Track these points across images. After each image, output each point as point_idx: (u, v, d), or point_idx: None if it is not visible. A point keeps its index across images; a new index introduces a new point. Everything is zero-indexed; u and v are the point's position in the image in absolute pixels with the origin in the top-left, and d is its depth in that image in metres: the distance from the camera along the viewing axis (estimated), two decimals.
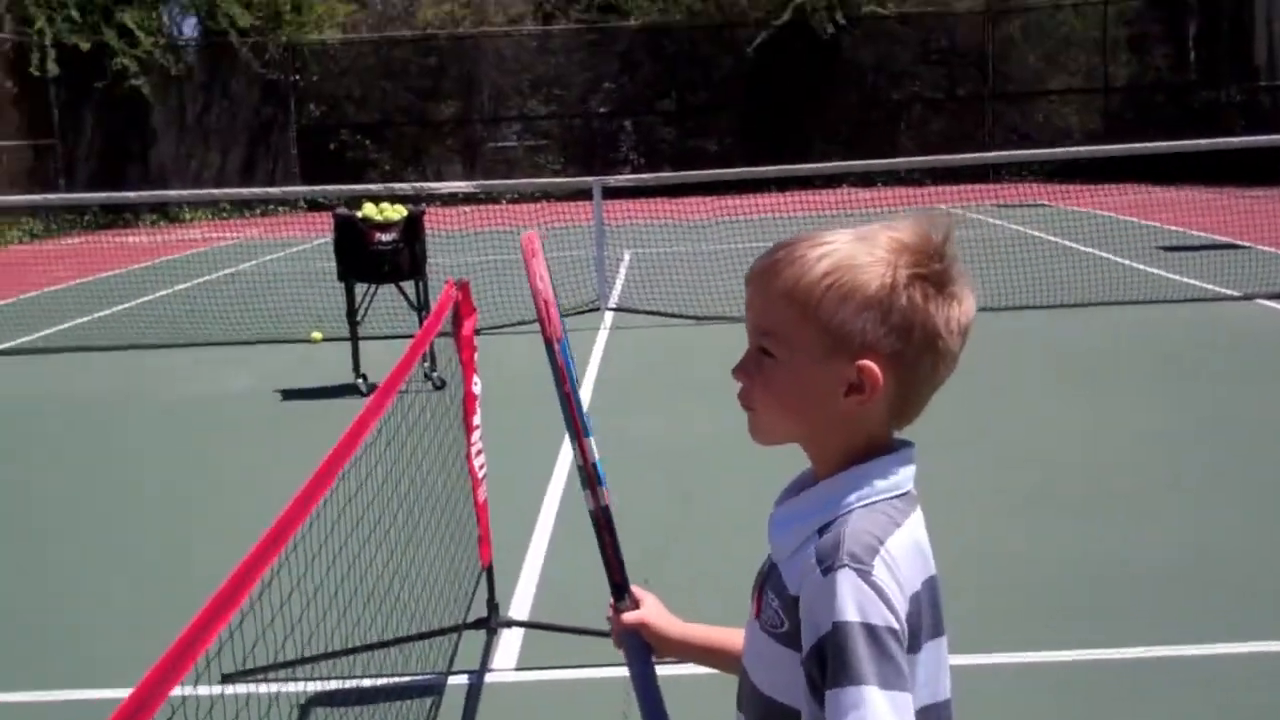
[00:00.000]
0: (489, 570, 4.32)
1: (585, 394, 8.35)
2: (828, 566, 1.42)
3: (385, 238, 9.05)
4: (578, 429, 1.76)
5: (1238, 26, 27.20)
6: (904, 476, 1.50)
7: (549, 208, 22.95)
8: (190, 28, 29.96)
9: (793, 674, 1.45)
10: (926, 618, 1.46)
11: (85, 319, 13.22)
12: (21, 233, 24.01)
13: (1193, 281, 12.64)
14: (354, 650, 3.83)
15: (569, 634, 4.26)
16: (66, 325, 12.78)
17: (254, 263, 18.06)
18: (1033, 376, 8.99)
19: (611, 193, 14.81)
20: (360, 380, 9.06)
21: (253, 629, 2.47)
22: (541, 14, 32.89)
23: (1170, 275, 13.13)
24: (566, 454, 6.97)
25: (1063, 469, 6.49)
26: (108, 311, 13.70)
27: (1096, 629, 4.36)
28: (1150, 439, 7.03)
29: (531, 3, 32.91)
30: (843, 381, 1.45)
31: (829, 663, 1.38)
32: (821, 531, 1.47)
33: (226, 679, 3.04)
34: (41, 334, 12.36)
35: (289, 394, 9.32)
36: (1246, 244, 15.16)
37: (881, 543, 1.43)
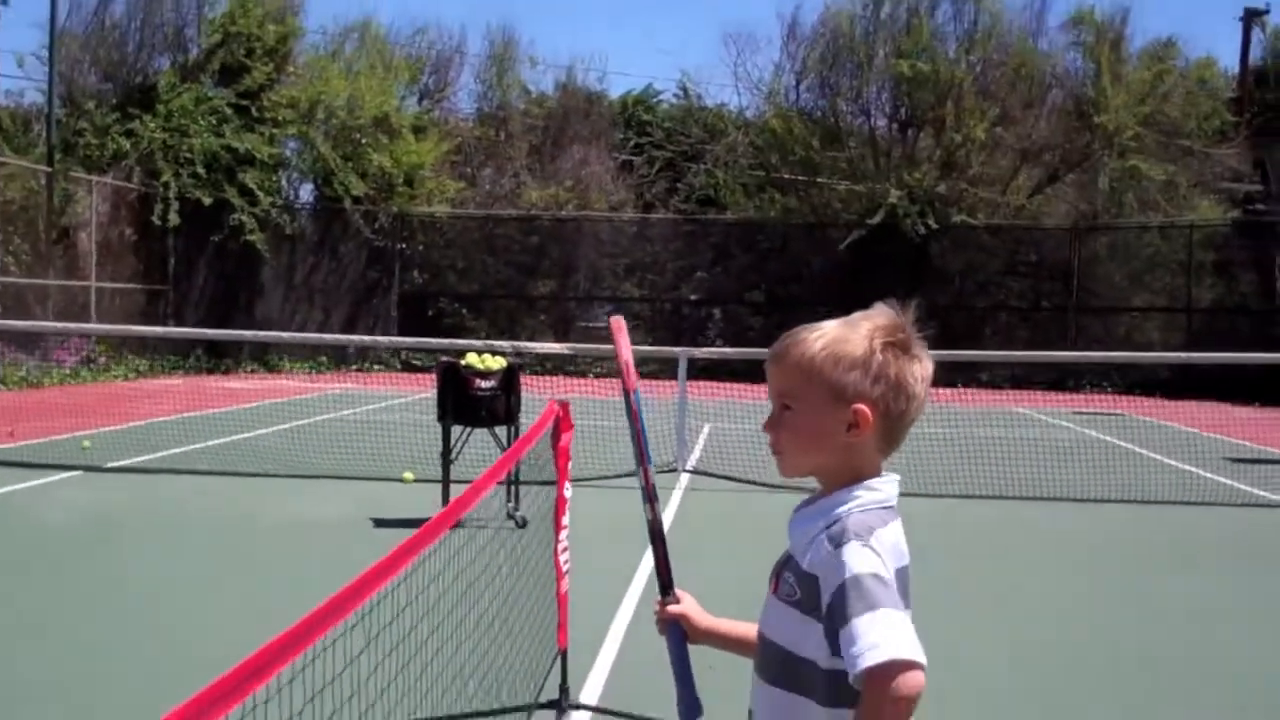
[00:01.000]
0: (564, 654, 4.80)
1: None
2: (838, 543, 2.02)
3: (485, 384, 9.71)
4: (642, 457, 2.38)
5: None
6: (887, 494, 2.15)
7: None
8: (307, 192, 31.52)
9: (802, 630, 2.06)
10: (900, 593, 2.03)
11: (190, 447, 13.97)
12: (127, 369, 25.12)
13: (1259, 491, 12.95)
14: None
15: None
16: (172, 451, 13.53)
17: (351, 411, 18.87)
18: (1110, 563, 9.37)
19: (695, 373, 15.47)
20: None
21: (331, 701, 2.82)
22: (642, 203, 34.23)
23: (1238, 484, 13.44)
24: (645, 567, 7.50)
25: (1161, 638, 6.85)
26: (211, 443, 14.44)
27: None
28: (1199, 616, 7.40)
29: (633, 191, 34.29)
30: (843, 422, 2.13)
31: (848, 604, 1.98)
32: (829, 528, 2.06)
33: None
34: (147, 457, 13.09)
35: (380, 522, 9.90)
36: None
37: (874, 530, 2.04)
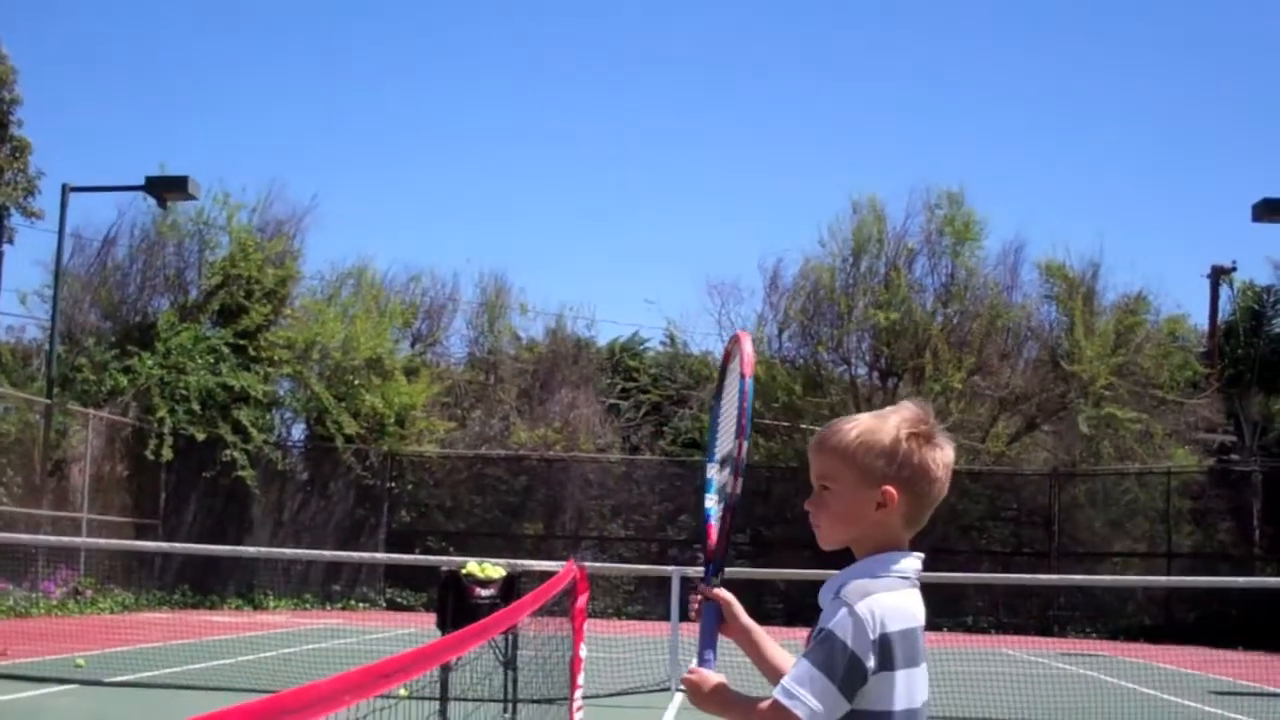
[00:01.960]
0: None
1: None
2: (837, 601, 2.43)
3: (485, 592, 9.94)
4: (742, 430, 2.79)
5: None
6: (904, 567, 2.54)
7: (624, 624, 23.71)
8: (299, 431, 31.91)
9: None
10: (899, 651, 2.40)
11: (184, 668, 14.00)
12: (113, 603, 25.02)
13: (1238, 716, 13.05)
14: None
15: None
16: (168, 670, 13.56)
17: (336, 642, 18.85)
18: None
19: (685, 614, 15.60)
20: None
21: None
22: (629, 445, 34.73)
23: (1222, 712, 13.54)
24: None
25: None
26: (198, 666, 14.46)
27: None
28: None
29: (620, 434, 34.83)
30: (873, 501, 2.52)
31: (812, 647, 2.36)
32: (841, 588, 2.46)
33: None
34: (144, 674, 13.13)
35: None
36: None
37: (871, 594, 2.40)
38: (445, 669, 9.93)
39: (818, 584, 2.71)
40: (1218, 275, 37.45)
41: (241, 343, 28.51)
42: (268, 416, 29.52)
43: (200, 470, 27.82)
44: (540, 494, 31.81)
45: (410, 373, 32.14)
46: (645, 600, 29.00)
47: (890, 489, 2.48)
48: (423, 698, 11.22)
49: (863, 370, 33.53)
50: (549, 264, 67.11)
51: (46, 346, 27.17)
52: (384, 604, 28.85)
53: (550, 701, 8.38)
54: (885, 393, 32.26)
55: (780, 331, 33.76)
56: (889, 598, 2.42)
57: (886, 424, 2.53)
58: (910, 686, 2.39)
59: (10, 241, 29.95)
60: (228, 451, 27.68)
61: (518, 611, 4.04)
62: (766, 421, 32.96)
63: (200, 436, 27.27)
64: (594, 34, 67.09)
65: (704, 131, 67.99)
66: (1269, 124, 58.02)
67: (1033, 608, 29.77)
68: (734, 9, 64.88)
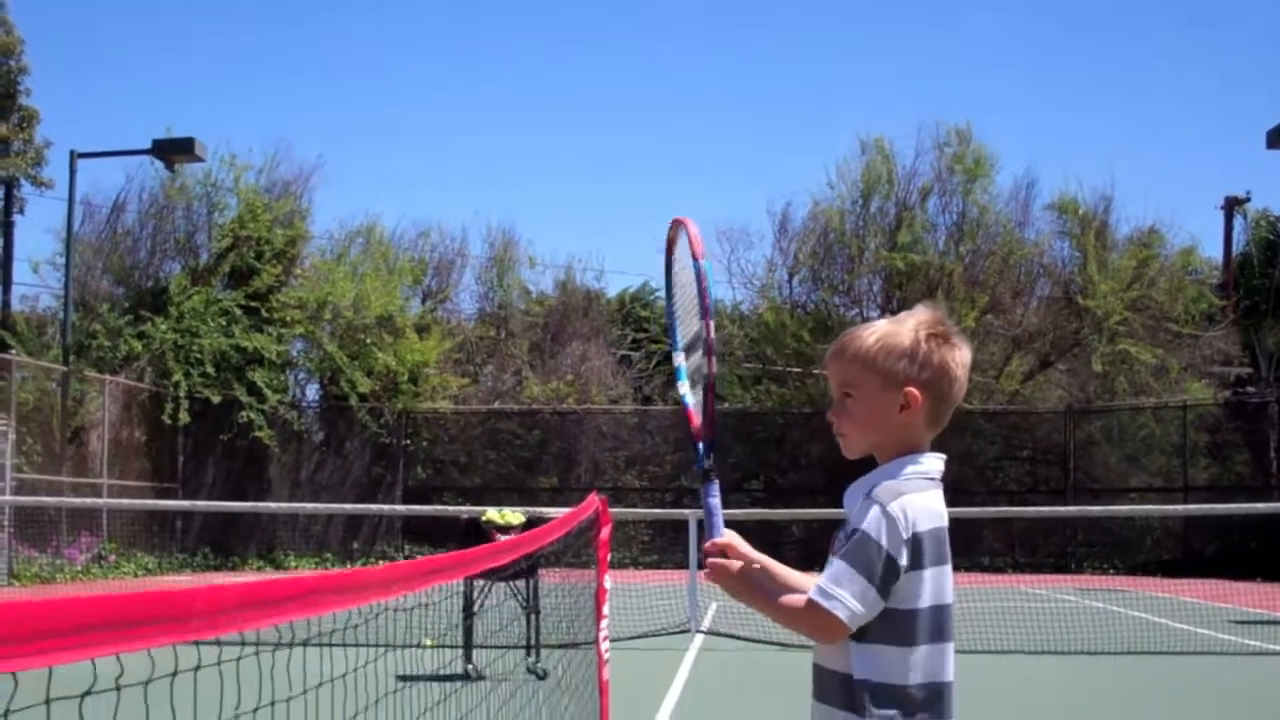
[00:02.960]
0: None
1: (670, 704, 8.98)
2: (868, 501, 2.43)
3: (505, 538, 9.98)
4: (706, 313, 2.75)
5: None
6: (929, 467, 2.55)
7: (641, 573, 23.83)
8: (313, 391, 32.01)
9: None
10: (929, 549, 2.43)
11: None
12: (136, 567, 25.21)
13: (1260, 643, 13.10)
14: None
15: None
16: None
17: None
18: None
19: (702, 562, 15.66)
20: (470, 668, 9.79)
21: None
22: (641, 396, 34.79)
23: (1242, 640, 13.60)
24: (686, 667, 7.63)
25: None
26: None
27: None
28: None
29: (632, 385, 34.87)
30: (896, 404, 2.52)
31: (847, 547, 2.36)
32: (872, 491, 2.46)
33: None
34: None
35: (404, 677, 10.03)
36: None
37: (902, 494, 2.42)
38: (468, 614, 10.01)
39: (833, 525, 2.72)
40: (1231, 206, 37.23)
41: (253, 304, 28.56)
42: (282, 377, 29.60)
43: (217, 433, 27.96)
44: (554, 447, 31.90)
45: (421, 330, 32.18)
46: (661, 549, 29.14)
47: (913, 390, 2.49)
48: (446, 646, 11.35)
49: (874, 313, 33.41)
50: (556, 216, 67.13)
51: (61, 314, 27.24)
52: (403, 559, 28.98)
53: (575, 646, 8.42)
54: None
55: (790, 276, 33.72)
56: (919, 498, 2.45)
57: (904, 327, 2.55)
58: (938, 584, 2.42)
59: (21, 211, 30.07)
60: (244, 413, 27.79)
61: (546, 535, 4.07)
62: (778, 368, 32.99)
63: (216, 399, 27.37)
64: None
65: (710, 77, 67.70)
66: None
67: (1049, 546, 29.89)
68: None
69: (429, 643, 12.05)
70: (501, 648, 10.47)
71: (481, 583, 10.13)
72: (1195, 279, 34.55)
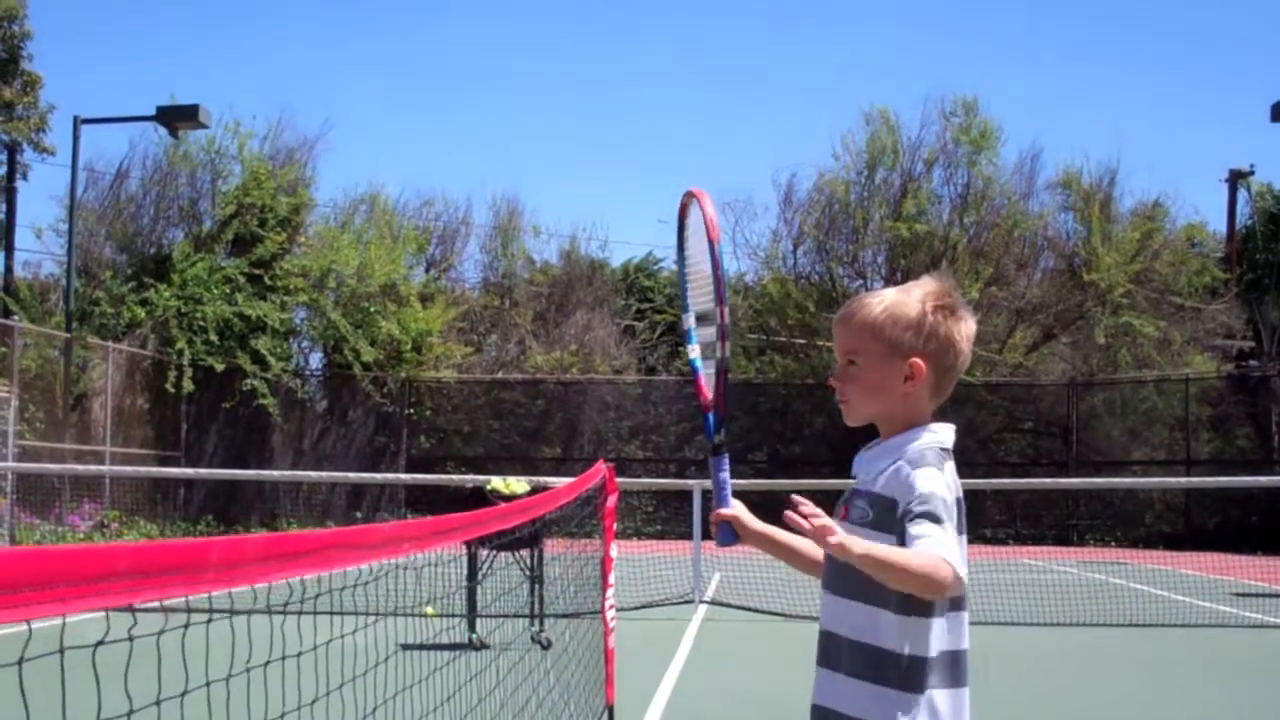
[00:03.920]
0: (611, 709, 5.03)
1: (675, 673, 8.99)
2: (916, 466, 2.40)
3: None
4: (720, 298, 2.72)
5: None
6: (943, 436, 2.52)
7: (645, 544, 23.88)
8: (316, 360, 32.00)
9: (874, 541, 2.36)
10: (961, 518, 2.41)
11: (203, 595, 14.10)
12: (139, 535, 25.26)
13: (1261, 616, 13.13)
14: None
15: None
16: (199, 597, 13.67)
17: (365, 565, 18.98)
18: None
19: (706, 533, 15.72)
20: (474, 636, 9.80)
21: None
22: (645, 367, 34.80)
23: (1243, 612, 13.63)
24: (690, 637, 7.65)
25: None
26: (228, 591, 14.56)
27: None
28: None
29: (636, 355, 34.88)
30: (900, 374, 2.52)
31: (921, 511, 2.33)
32: (906, 459, 2.44)
33: None
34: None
35: (407, 646, 10.05)
36: None
37: (944, 462, 2.42)
38: (473, 580, 10.02)
39: (836, 496, 2.70)
40: (1235, 179, 37.14)
41: (257, 272, 28.51)
42: (285, 345, 29.57)
43: (220, 401, 27.95)
44: (558, 417, 31.92)
45: (425, 299, 32.15)
46: (664, 520, 29.20)
47: (918, 361, 2.49)
48: (449, 615, 11.37)
49: (878, 284, 33.36)
50: (561, 186, 67.01)
51: (64, 281, 27.21)
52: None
53: (578, 615, 8.43)
54: None
55: (795, 247, 33.66)
56: (949, 468, 2.45)
57: (911, 297, 2.54)
58: (962, 553, 2.41)
59: (24, 177, 29.98)
60: (247, 381, 27.78)
61: (555, 499, 4.07)
62: (781, 339, 32.98)
63: (219, 367, 27.34)
64: None
65: (714, 46, 67.47)
66: None
67: (1051, 518, 29.92)
68: None
69: (431, 611, 12.09)
70: (505, 616, 10.50)
71: (485, 552, 10.13)
72: (1199, 252, 34.51)
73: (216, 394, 27.89)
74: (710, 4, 66.37)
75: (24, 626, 1.30)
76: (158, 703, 1.77)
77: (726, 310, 2.73)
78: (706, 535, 13.77)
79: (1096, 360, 31.74)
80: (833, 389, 2.62)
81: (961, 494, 2.46)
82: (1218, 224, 37.64)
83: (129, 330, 27.12)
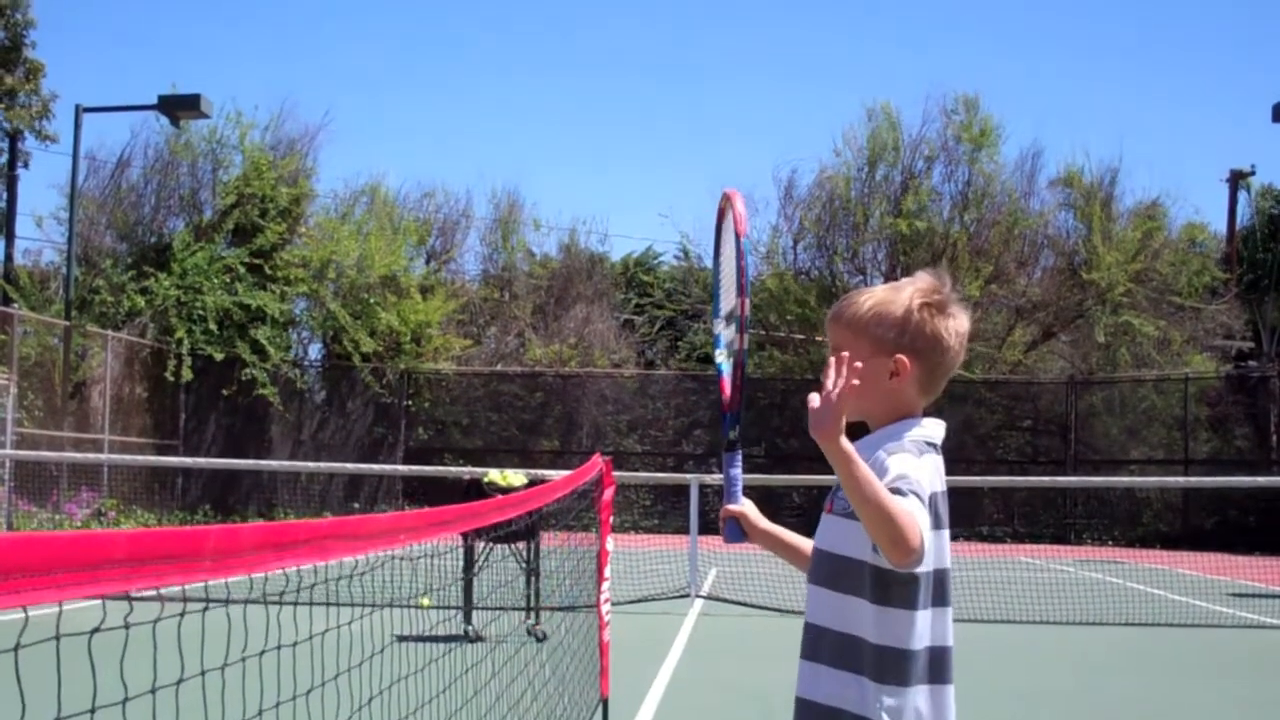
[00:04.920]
0: (605, 703, 5.03)
1: (670, 667, 9.01)
2: (892, 454, 2.40)
3: None
4: (743, 290, 2.74)
5: None
6: (930, 432, 2.53)
7: (642, 537, 23.88)
8: (315, 351, 32.01)
9: (855, 538, 2.38)
10: (940, 512, 2.41)
11: (198, 585, 14.10)
12: (136, 524, 25.27)
13: (1257, 617, 13.14)
14: None
15: None
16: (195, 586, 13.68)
17: (362, 556, 18.99)
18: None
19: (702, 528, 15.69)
20: (469, 629, 9.81)
21: None
22: (644, 361, 34.83)
23: (1239, 613, 13.64)
24: (685, 631, 7.66)
25: None
26: (224, 580, 14.57)
27: None
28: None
29: (635, 349, 34.90)
30: (886, 371, 2.53)
31: (893, 488, 2.29)
32: (885, 447, 2.44)
33: None
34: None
35: (403, 637, 10.06)
36: None
37: (923, 454, 2.44)
38: (469, 573, 10.03)
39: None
40: (1236, 179, 37.14)
41: (257, 262, 28.51)
42: (285, 335, 29.57)
43: (219, 390, 27.95)
44: (556, 410, 31.92)
45: (425, 290, 32.14)
46: (662, 514, 29.22)
47: (903, 358, 2.48)
48: (445, 607, 11.38)
49: (878, 280, 33.32)
50: (561, 179, 66.96)
51: (64, 269, 27.19)
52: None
53: (574, 608, 8.44)
54: None
55: (795, 243, 33.65)
56: (925, 461, 2.43)
57: (900, 295, 2.54)
58: (940, 548, 2.41)
59: (26, 165, 29.96)
60: (246, 371, 27.77)
61: (551, 492, 4.07)
62: (781, 334, 32.98)
63: (218, 356, 27.34)
64: None
65: (717, 41, 67.42)
66: None
67: (1049, 517, 29.93)
68: None
69: (426, 602, 12.09)
70: (501, 609, 10.51)
71: (482, 544, 10.14)
72: (1199, 252, 34.50)
73: (215, 383, 27.90)
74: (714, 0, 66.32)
75: (20, 613, 1.30)
76: (153, 691, 1.77)
77: (748, 303, 2.74)
78: (703, 530, 13.83)
79: (1096, 359, 31.75)
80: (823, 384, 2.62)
81: (943, 489, 2.45)
82: (1218, 224, 37.66)
83: (129, 319, 27.12)
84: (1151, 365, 31.17)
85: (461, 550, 10.07)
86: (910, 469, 2.33)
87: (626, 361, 33.98)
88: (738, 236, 2.79)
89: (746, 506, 2.75)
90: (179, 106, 25.55)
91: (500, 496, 9.96)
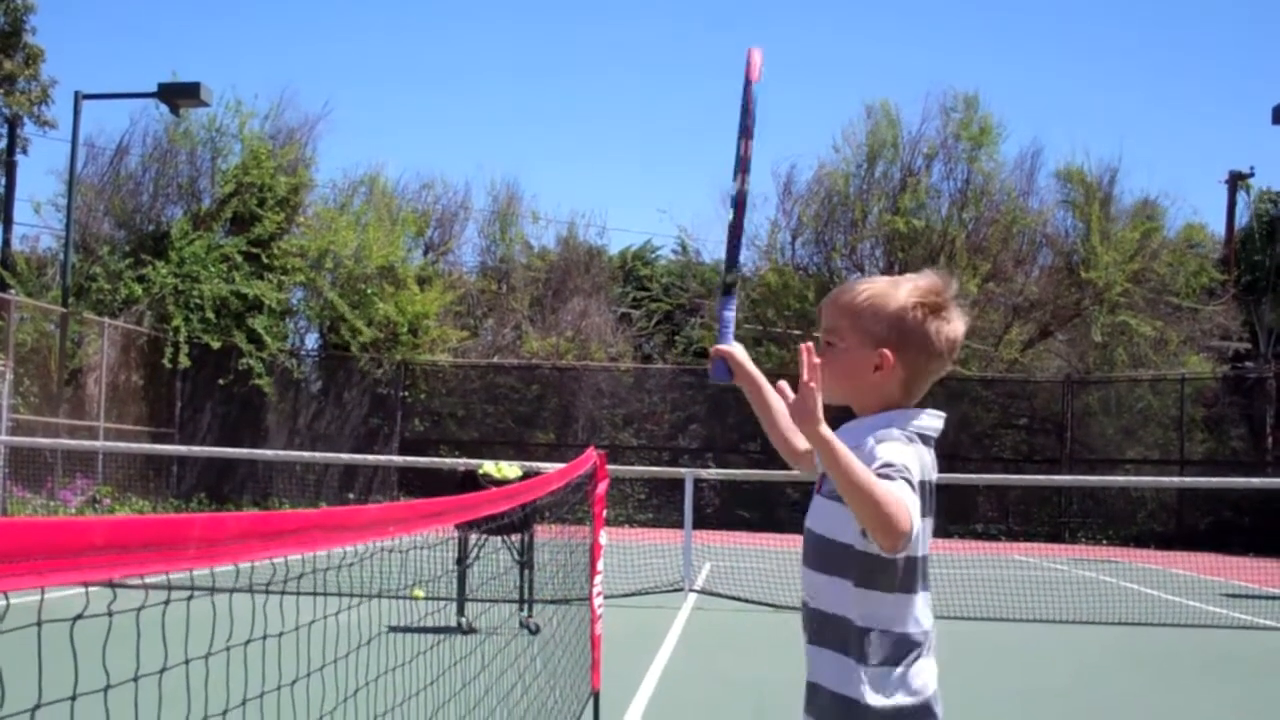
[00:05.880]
0: (597, 695, 5.03)
1: (662, 660, 9.00)
2: (881, 441, 2.40)
3: None
4: (748, 131, 2.77)
5: None
6: (925, 422, 2.51)
7: (636, 531, 23.88)
8: (312, 340, 31.99)
9: (843, 521, 2.39)
10: (928, 501, 2.41)
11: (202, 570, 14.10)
12: (131, 511, 25.26)
13: (1251, 617, 13.16)
14: None
15: None
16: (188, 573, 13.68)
17: (352, 547, 18.99)
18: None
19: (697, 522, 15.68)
20: (462, 620, 9.81)
21: None
22: (641, 354, 34.80)
23: (1232, 613, 13.65)
24: (679, 625, 7.66)
25: None
26: (219, 569, 14.56)
27: None
28: None
29: (632, 343, 34.87)
30: (870, 363, 2.53)
31: (883, 473, 2.28)
32: (876, 433, 2.44)
33: None
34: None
35: (395, 628, 10.06)
36: None
37: (913, 441, 2.44)
38: (462, 564, 10.03)
39: None
40: (1235, 181, 37.13)
41: (255, 251, 28.43)
42: (282, 325, 29.53)
43: (215, 379, 27.90)
44: (552, 403, 31.91)
45: (423, 281, 32.12)
46: (656, 508, 29.18)
47: (887, 353, 2.47)
48: (438, 598, 11.37)
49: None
50: (560, 172, 66.93)
51: (61, 256, 27.14)
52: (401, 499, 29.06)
53: (567, 601, 8.45)
54: None
55: (793, 238, 33.65)
56: (917, 449, 2.43)
57: (897, 290, 2.53)
58: (925, 535, 2.42)
59: (24, 151, 29.88)
60: (243, 360, 27.73)
61: (545, 485, 4.06)
62: (779, 329, 32.96)
63: (215, 345, 27.29)
64: None
65: (715, 36, 67.36)
66: None
67: (1044, 516, 29.93)
68: None
69: (419, 594, 12.08)
70: (494, 600, 10.50)
71: (476, 535, 10.14)
72: (1197, 253, 34.50)
73: (212, 372, 27.86)
74: None
75: (1, 599, 1.30)
76: (135, 679, 1.76)
77: (751, 145, 2.75)
78: (698, 524, 13.83)
79: (1092, 358, 31.77)
80: None
81: (932, 479, 2.45)
82: (1217, 225, 37.65)
83: (125, 306, 27.08)
84: (1148, 365, 31.18)
85: (455, 542, 10.07)
86: (897, 456, 2.33)
87: (623, 355, 33.97)
88: (749, 82, 2.80)
89: (736, 348, 2.81)
90: (179, 94, 25.50)
91: (495, 489, 9.98)
